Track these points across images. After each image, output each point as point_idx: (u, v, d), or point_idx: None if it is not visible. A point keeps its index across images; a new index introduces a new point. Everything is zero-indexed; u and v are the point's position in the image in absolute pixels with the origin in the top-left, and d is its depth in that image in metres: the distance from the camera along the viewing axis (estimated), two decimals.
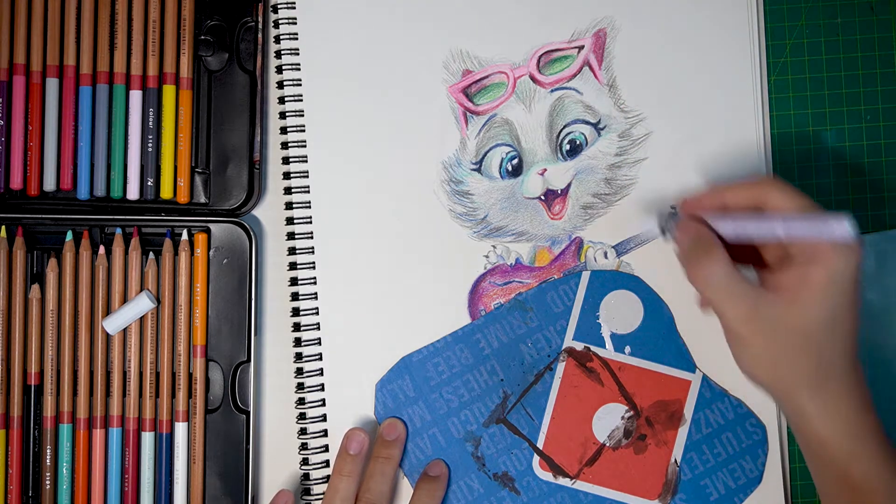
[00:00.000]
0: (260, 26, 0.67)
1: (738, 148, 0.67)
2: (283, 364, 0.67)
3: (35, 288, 0.66)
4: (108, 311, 0.66)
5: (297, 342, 0.66)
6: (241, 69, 0.67)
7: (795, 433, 0.58)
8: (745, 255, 0.59)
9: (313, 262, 0.66)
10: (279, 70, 0.68)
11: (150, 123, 0.67)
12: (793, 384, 0.56)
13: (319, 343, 0.66)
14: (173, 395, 0.66)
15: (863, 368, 0.57)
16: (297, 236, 0.67)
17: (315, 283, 0.66)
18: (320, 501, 0.64)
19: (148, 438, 0.66)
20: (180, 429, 0.66)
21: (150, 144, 0.67)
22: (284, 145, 0.67)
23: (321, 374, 0.66)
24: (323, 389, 0.66)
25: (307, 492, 0.66)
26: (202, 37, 0.68)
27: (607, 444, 0.66)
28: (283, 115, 0.67)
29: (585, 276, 0.66)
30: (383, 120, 0.67)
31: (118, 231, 0.66)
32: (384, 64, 0.67)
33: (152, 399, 0.66)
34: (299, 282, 0.66)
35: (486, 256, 0.67)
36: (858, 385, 0.56)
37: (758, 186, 0.56)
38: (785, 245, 0.56)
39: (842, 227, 0.52)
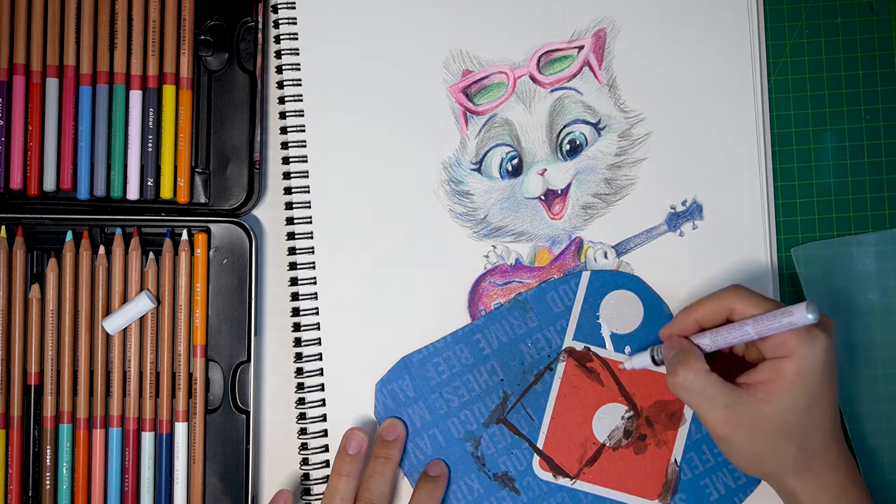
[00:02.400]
0: (260, 26, 0.67)
1: (738, 148, 0.67)
2: (283, 364, 0.67)
3: (35, 288, 0.66)
4: (108, 311, 0.66)
5: (297, 342, 0.66)
6: (241, 69, 0.67)
7: None
8: (734, 364, 0.62)
9: (313, 262, 0.66)
10: (279, 70, 0.68)
11: (150, 123, 0.67)
12: (779, 471, 0.58)
13: (319, 343, 0.66)
14: (173, 395, 0.66)
15: (858, 469, 0.59)
16: (297, 236, 0.67)
17: (315, 283, 0.66)
18: (320, 501, 0.64)
19: (148, 438, 0.66)
20: (180, 429, 0.66)
21: (150, 144, 0.67)
22: (284, 145, 0.67)
23: (321, 374, 0.66)
24: (323, 389, 0.66)
25: (307, 492, 0.66)
26: (202, 37, 0.68)
27: (607, 444, 0.65)
28: (283, 115, 0.67)
29: (585, 276, 0.66)
30: (383, 120, 0.67)
31: (118, 231, 0.66)
32: (384, 64, 0.67)
33: (152, 399, 0.66)
34: (299, 282, 0.66)
35: (486, 256, 0.67)
36: (843, 460, 0.59)
37: (722, 299, 0.59)
38: (758, 345, 0.58)
39: (801, 314, 0.54)
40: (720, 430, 0.58)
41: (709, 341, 0.59)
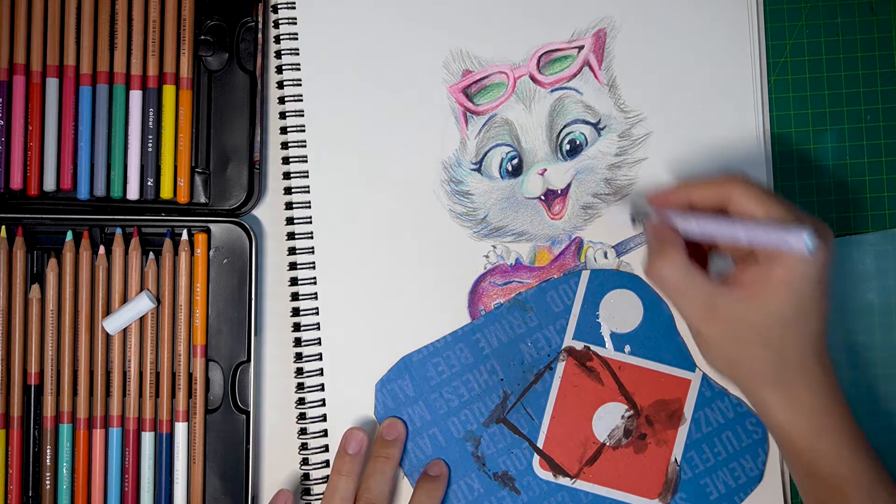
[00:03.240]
0: (260, 26, 0.67)
1: (738, 148, 0.67)
2: (283, 364, 0.67)
3: (35, 288, 0.66)
4: (108, 311, 0.66)
5: (297, 342, 0.66)
6: (241, 69, 0.67)
7: (763, 421, 0.58)
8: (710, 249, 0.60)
9: (313, 262, 0.66)
10: (279, 70, 0.68)
11: (150, 123, 0.67)
12: (754, 379, 0.56)
13: (319, 343, 0.66)
14: (173, 395, 0.66)
15: (842, 389, 0.57)
16: (297, 236, 0.67)
17: (315, 283, 0.66)
18: (320, 501, 0.64)
19: (148, 438, 0.66)
20: (180, 429, 0.66)
21: (150, 144, 0.67)
22: (284, 145, 0.67)
23: (321, 374, 0.66)
24: (323, 389, 0.66)
25: (307, 492, 0.66)
26: (202, 37, 0.68)
27: (607, 444, 0.65)
28: (283, 115, 0.67)
29: (585, 275, 0.66)
30: (383, 120, 0.67)
31: (118, 231, 0.66)
32: (384, 64, 0.67)
33: (152, 399, 0.66)
34: (299, 282, 0.66)
35: (486, 256, 0.67)
36: (824, 381, 0.56)
37: (723, 186, 0.56)
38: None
39: (799, 242, 0.51)
40: (698, 326, 0.56)
41: (695, 228, 0.56)
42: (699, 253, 0.60)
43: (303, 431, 0.66)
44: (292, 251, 0.67)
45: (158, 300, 0.66)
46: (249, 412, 0.66)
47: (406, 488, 0.66)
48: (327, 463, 0.66)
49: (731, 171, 0.56)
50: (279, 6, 0.67)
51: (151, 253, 0.66)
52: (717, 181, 0.57)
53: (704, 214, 0.57)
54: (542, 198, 0.67)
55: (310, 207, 0.67)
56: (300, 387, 0.66)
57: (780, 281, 0.53)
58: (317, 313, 0.66)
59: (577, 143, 0.67)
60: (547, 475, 0.66)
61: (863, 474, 0.56)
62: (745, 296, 0.54)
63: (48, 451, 0.65)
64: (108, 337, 0.66)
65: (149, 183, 0.67)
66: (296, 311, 0.66)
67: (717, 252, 0.61)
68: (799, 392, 0.56)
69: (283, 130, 0.67)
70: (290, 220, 0.67)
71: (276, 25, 0.68)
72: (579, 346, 0.66)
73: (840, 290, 0.67)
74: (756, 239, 0.53)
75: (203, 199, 0.67)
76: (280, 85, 0.67)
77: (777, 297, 0.54)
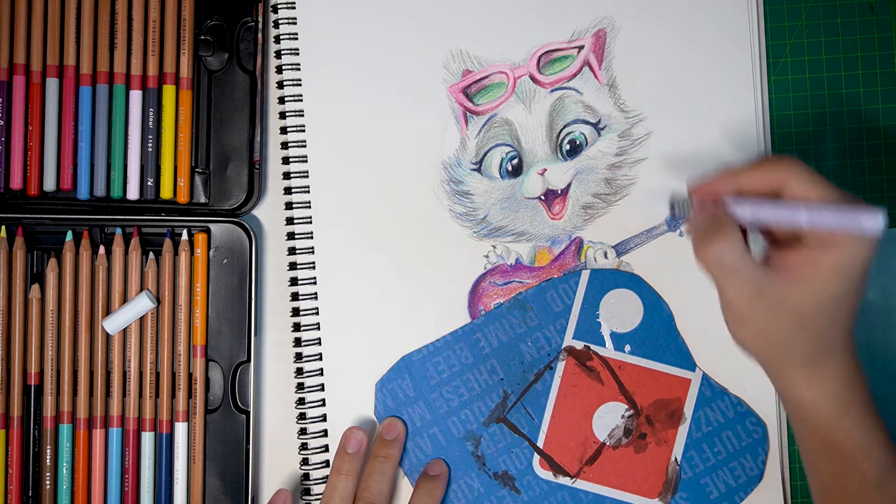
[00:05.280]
0: (260, 26, 0.67)
1: (738, 148, 0.67)
2: (283, 364, 0.67)
3: (35, 288, 0.66)
4: (108, 311, 0.66)
5: (297, 342, 0.66)
6: (241, 69, 0.67)
7: (782, 399, 0.58)
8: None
9: (313, 262, 0.66)
10: (279, 70, 0.68)
11: (150, 123, 0.67)
12: (785, 359, 0.56)
13: (319, 343, 0.66)
14: (173, 395, 0.66)
15: (862, 365, 0.57)
16: (297, 236, 0.67)
17: (315, 282, 0.66)
18: (320, 501, 0.64)
19: (148, 438, 0.66)
20: (180, 429, 0.66)
21: (150, 144, 0.67)
22: (284, 145, 0.67)
23: (321, 374, 0.66)
24: (323, 389, 0.66)
25: (307, 492, 0.66)
26: (202, 37, 0.68)
27: (607, 443, 0.65)
28: (283, 115, 0.67)
29: (585, 274, 0.66)
30: (383, 120, 0.67)
31: (118, 231, 0.66)
32: (384, 64, 0.67)
33: (152, 399, 0.66)
34: (299, 282, 0.66)
35: (486, 256, 0.67)
36: (852, 361, 0.56)
37: (776, 170, 0.55)
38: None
39: (873, 222, 0.50)
40: (742, 306, 0.55)
41: (750, 213, 0.55)
42: None
43: (303, 431, 0.66)
44: (292, 251, 0.67)
45: (158, 300, 0.66)
46: (249, 412, 0.66)
47: (406, 488, 0.66)
48: (327, 463, 0.66)
49: (780, 155, 0.55)
50: (279, 6, 0.67)
51: (151, 253, 0.66)
52: (768, 164, 0.56)
53: (759, 199, 0.55)
54: (542, 198, 0.67)
55: (310, 207, 0.67)
56: (300, 387, 0.66)
57: (833, 265, 0.53)
58: (317, 313, 0.66)
59: (577, 143, 0.67)
60: (547, 475, 0.65)
61: (880, 448, 0.56)
62: (791, 280, 0.54)
63: (48, 451, 0.65)
64: (108, 337, 0.66)
65: (149, 183, 0.67)
66: (296, 311, 0.66)
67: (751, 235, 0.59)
68: (827, 372, 0.56)
69: (283, 130, 0.67)
70: (290, 220, 0.67)
71: (276, 25, 0.68)
72: (579, 345, 0.66)
73: None
74: (821, 221, 0.52)
75: (203, 199, 0.67)
76: (280, 85, 0.67)
77: (827, 281, 0.53)
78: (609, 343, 0.66)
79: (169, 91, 0.67)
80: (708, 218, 0.56)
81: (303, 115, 0.67)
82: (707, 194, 0.57)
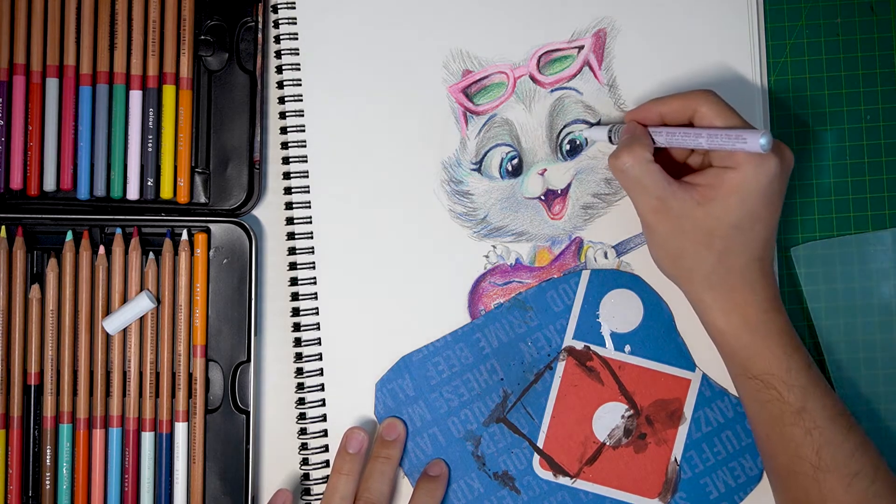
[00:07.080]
0: (260, 26, 0.67)
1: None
2: (283, 364, 0.67)
3: (35, 288, 0.66)
4: (108, 311, 0.66)
5: (297, 342, 0.66)
6: (241, 69, 0.67)
7: (703, 325, 0.61)
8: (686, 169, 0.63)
9: (313, 262, 0.66)
10: (279, 70, 0.68)
11: (150, 123, 0.67)
12: (694, 277, 0.59)
13: (319, 343, 0.66)
14: (173, 395, 0.66)
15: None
16: (297, 236, 0.67)
17: (315, 283, 0.66)
18: (320, 501, 0.64)
19: (148, 438, 0.66)
20: (180, 429, 0.66)
21: (150, 144, 0.67)
22: (284, 145, 0.67)
23: (321, 374, 0.66)
24: (323, 389, 0.66)
25: (307, 492, 0.66)
26: (202, 37, 0.68)
27: (607, 443, 0.65)
28: (283, 115, 0.67)
29: (585, 275, 0.66)
30: (383, 120, 0.67)
31: (118, 231, 0.66)
32: (384, 64, 0.67)
33: (152, 399, 0.66)
34: (299, 282, 0.66)
35: (486, 256, 0.67)
36: (763, 286, 0.59)
37: (690, 99, 0.59)
38: (709, 153, 0.59)
39: (754, 141, 0.54)
40: (647, 218, 0.59)
41: (663, 138, 0.59)
42: (674, 168, 0.62)
43: (303, 431, 0.66)
44: (292, 251, 0.67)
45: (158, 300, 0.66)
46: (249, 412, 0.66)
47: (406, 488, 0.66)
48: (327, 463, 0.66)
49: (694, 90, 0.60)
50: (279, 6, 0.67)
51: (151, 253, 0.66)
52: (685, 96, 0.60)
53: (672, 127, 0.60)
54: (542, 198, 0.67)
55: (310, 207, 0.67)
56: (300, 387, 0.66)
57: (732, 185, 0.57)
58: (317, 313, 0.66)
59: (577, 143, 0.67)
60: (547, 475, 0.65)
61: (799, 374, 0.58)
62: (697, 195, 0.57)
63: (48, 451, 0.65)
64: (108, 337, 0.66)
65: (149, 183, 0.67)
66: (296, 311, 0.66)
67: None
68: (736, 295, 0.59)
69: (283, 130, 0.67)
70: (290, 220, 0.67)
71: (276, 25, 0.68)
72: (579, 345, 0.66)
73: (840, 289, 0.67)
74: (717, 143, 0.56)
75: (203, 199, 0.67)
76: (280, 85, 0.67)
77: (727, 200, 0.57)
78: (609, 343, 0.66)
79: (169, 91, 0.67)
80: (626, 132, 0.61)
81: (303, 115, 0.67)
82: (635, 119, 0.62)
